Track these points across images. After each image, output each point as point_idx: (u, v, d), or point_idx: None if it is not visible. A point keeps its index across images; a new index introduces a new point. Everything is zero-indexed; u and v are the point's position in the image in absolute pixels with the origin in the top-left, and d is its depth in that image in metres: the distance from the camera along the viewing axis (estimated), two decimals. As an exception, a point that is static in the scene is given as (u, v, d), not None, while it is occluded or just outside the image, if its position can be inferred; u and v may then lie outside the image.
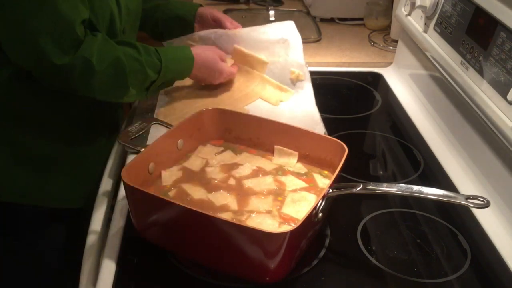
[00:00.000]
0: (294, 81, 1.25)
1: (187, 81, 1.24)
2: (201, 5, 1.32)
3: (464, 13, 1.10)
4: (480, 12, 1.04)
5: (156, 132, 1.06)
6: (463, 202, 0.77)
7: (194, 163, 0.97)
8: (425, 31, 1.26)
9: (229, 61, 1.23)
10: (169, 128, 1.02)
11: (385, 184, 0.82)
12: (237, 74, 1.26)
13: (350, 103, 1.42)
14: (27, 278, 1.16)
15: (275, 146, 0.99)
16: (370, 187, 0.81)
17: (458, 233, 0.93)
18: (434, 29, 1.22)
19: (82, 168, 1.13)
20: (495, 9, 0.99)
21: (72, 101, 1.06)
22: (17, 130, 1.04)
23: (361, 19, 1.81)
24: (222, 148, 1.01)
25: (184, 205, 0.78)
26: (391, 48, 1.64)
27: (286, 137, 0.98)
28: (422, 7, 1.25)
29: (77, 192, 1.14)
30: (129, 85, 1.01)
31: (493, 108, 0.95)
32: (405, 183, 0.96)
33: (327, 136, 0.98)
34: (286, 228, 0.82)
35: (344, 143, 0.91)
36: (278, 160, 0.99)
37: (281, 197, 0.89)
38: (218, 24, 1.28)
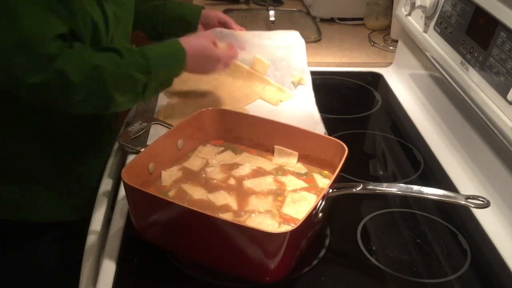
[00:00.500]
0: (295, 85, 1.25)
1: (187, 81, 1.24)
2: (203, 7, 1.30)
3: (464, 13, 1.10)
4: (480, 12, 1.04)
5: (156, 132, 1.06)
6: (463, 202, 0.77)
7: (194, 163, 0.97)
8: (425, 31, 1.26)
9: (220, 45, 1.15)
10: (169, 128, 1.02)
11: (385, 184, 0.82)
12: (238, 74, 1.26)
13: (350, 103, 1.42)
14: (25, 283, 1.15)
15: (275, 146, 0.99)
16: (370, 187, 0.81)
17: (458, 233, 0.93)
18: (434, 29, 1.22)
19: (76, 182, 1.11)
20: (495, 9, 0.99)
21: (61, 117, 1.01)
22: (6, 147, 1.01)
23: (361, 19, 1.81)
24: (222, 148, 1.01)
25: (184, 205, 0.78)
26: (391, 48, 1.64)
27: (286, 137, 0.98)
28: (422, 7, 1.25)
29: (72, 205, 1.12)
30: (114, 93, 0.93)
31: (493, 108, 0.95)
32: (405, 183, 0.96)
33: (327, 136, 0.98)
34: (286, 228, 0.82)
35: (344, 143, 0.91)
36: (278, 160, 0.99)
37: (281, 197, 0.89)
38: (224, 26, 1.27)
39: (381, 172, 1.14)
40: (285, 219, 0.84)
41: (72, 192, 1.11)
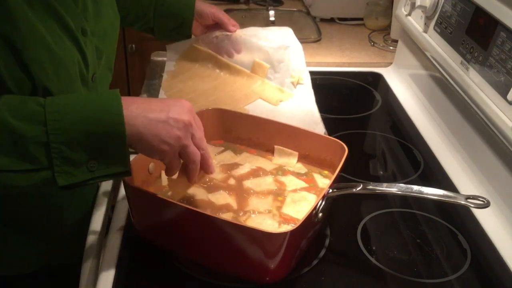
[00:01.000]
0: (295, 85, 1.25)
1: (187, 81, 1.24)
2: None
3: (464, 13, 1.10)
4: (480, 12, 1.04)
5: (156, 132, 1.06)
6: (463, 202, 0.77)
7: (194, 163, 0.97)
8: (425, 31, 1.26)
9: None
10: (169, 128, 1.02)
11: (385, 184, 0.82)
12: (238, 75, 1.26)
13: (350, 103, 1.42)
14: None
15: (275, 146, 0.99)
16: (370, 187, 0.81)
17: (458, 233, 0.93)
18: (434, 29, 1.22)
19: (61, 230, 0.98)
20: (495, 9, 0.99)
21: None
22: None
23: (361, 19, 1.81)
24: (222, 148, 1.01)
25: (184, 205, 0.78)
26: (391, 48, 1.64)
27: (286, 137, 0.98)
28: (422, 7, 1.25)
29: (59, 252, 0.99)
30: None
31: (493, 108, 0.95)
32: (405, 183, 0.96)
33: (327, 136, 0.98)
34: (286, 228, 0.82)
35: (344, 143, 0.91)
36: (278, 160, 0.99)
37: (281, 197, 0.89)
38: (219, 25, 1.27)
39: (381, 172, 1.14)
40: (285, 219, 0.84)
41: (54, 239, 0.98)
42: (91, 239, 0.92)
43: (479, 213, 0.97)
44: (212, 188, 0.91)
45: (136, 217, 0.85)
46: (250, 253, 0.76)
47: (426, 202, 0.99)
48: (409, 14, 1.37)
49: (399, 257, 0.88)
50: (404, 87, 1.43)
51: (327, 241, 0.89)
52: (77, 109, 0.68)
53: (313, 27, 1.77)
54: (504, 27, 0.95)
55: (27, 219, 0.92)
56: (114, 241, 0.88)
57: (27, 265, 0.97)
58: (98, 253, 0.90)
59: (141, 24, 1.24)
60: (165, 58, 1.32)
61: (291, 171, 0.96)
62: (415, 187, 0.79)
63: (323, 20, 1.84)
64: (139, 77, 2.26)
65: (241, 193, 0.90)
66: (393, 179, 1.10)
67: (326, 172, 0.96)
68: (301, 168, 0.97)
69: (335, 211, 0.91)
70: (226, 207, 0.86)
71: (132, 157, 0.99)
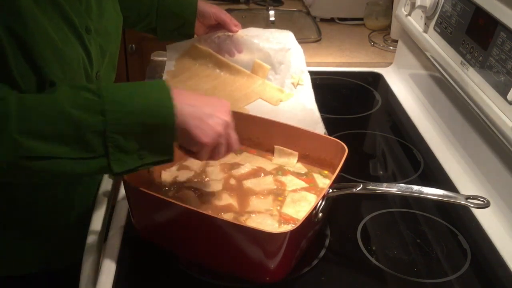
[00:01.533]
0: (295, 86, 1.25)
1: (187, 81, 1.24)
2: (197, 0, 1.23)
3: (464, 13, 1.10)
4: (480, 12, 1.04)
5: (156, 132, 1.06)
6: (463, 202, 0.77)
7: (194, 163, 0.97)
8: (425, 31, 1.26)
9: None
10: (169, 128, 1.02)
11: (385, 184, 0.82)
12: (238, 75, 1.26)
13: (350, 103, 1.42)
14: None
15: (275, 146, 0.99)
16: (370, 187, 0.81)
17: (458, 233, 0.93)
18: (434, 29, 1.22)
19: (57, 234, 0.98)
20: (495, 9, 0.99)
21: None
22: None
23: (361, 19, 1.81)
24: (222, 148, 1.01)
25: (184, 205, 0.78)
26: (391, 48, 1.64)
27: (286, 137, 0.98)
28: (422, 7, 1.25)
29: (57, 253, 1.00)
30: (22, 139, 0.66)
31: (493, 108, 0.95)
32: (405, 183, 0.96)
33: (327, 136, 0.98)
34: (286, 228, 0.82)
35: (344, 143, 0.91)
36: (278, 160, 0.99)
37: (281, 197, 0.89)
38: (221, 26, 1.26)
39: (381, 172, 1.14)
40: (285, 219, 0.84)
41: (54, 241, 0.98)
42: (91, 239, 0.92)
43: (479, 213, 0.97)
44: (213, 188, 0.91)
45: (136, 217, 0.85)
46: (250, 253, 0.76)
47: (426, 202, 0.99)
48: (409, 14, 1.37)
49: (399, 257, 0.88)
50: (404, 87, 1.43)
51: (327, 241, 0.89)
52: (134, 100, 0.70)
53: (313, 27, 1.77)
54: (504, 27, 0.95)
55: (28, 219, 0.92)
56: (114, 241, 0.88)
57: (27, 266, 0.97)
58: (98, 253, 0.90)
59: (143, 25, 1.23)
60: (165, 58, 1.32)
61: (291, 171, 0.96)
62: (415, 187, 0.79)
63: (323, 20, 1.85)
64: (139, 77, 2.26)
65: (241, 193, 0.90)
66: (393, 179, 1.10)
67: (326, 172, 0.96)
68: (301, 168, 0.97)
69: (335, 211, 0.91)
70: (228, 208, 0.86)
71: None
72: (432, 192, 0.78)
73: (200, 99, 0.77)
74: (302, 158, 0.98)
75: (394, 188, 0.80)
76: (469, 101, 1.05)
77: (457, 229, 0.94)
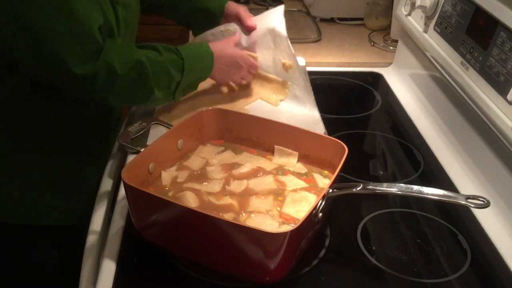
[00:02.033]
0: (287, 70, 1.24)
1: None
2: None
3: (464, 13, 1.10)
4: (480, 12, 1.04)
5: (156, 132, 1.06)
6: (463, 202, 0.76)
7: (194, 163, 0.97)
8: (425, 31, 1.26)
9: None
10: (169, 128, 1.02)
11: (385, 184, 0.82)
12: None
13: (350, 103, 1.42)
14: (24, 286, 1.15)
15: (275, 146, 0.99)
16: (370, 187, 0.81)
17: (458, 233, 0.93)
18: (434, 29, 1.22)
19: (76, 186, 1.11)
20: (495, 9, 0.99)
21: (66, 120, 1.03)
22: (11, 149, 1.02)
23: (361, 19, 1.81)
24: (222, 148, 1.01)
25: (184, 205, 0.78)
26: (391, 48, 1.64)
27: (286, 137, 0.98)
28: (422, 7, 1.25)
29: (72, 209, 1.12)
30: (154, 87, 0.99)
31: (493, 108, 0.95)
32: (405, 183, 0.96)
33: (327, 136, 0.98)
34: (286, 228, 0.82)
35: (344, 143, 0.91)
36: (278, 160, 0.99)
37: (281, 197, 0.89)
38: (239, 21, 1.26)
39: (381, 172, 1.14)
40: (285, 219, 0.84)
41: (71, 195, 1.11)
42: (91, 239, 0.92)
43: (479, 213, 0.97)
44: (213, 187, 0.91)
45: (136, 217, 0.85)
46: (250, 253, 0.76)
47: (426, 202, 0.99)
48: (409, 14, 1.37)
49: (399, 257, 0.88)
50: (404, 87, 1.43)
51: (327, 241, 0.89)
52: (196, 60, 1.07)
53: (313, 27, 1.77)
54: (504, 27, 0.95)
55: (58, 170, 1.07)
56: (114, 241, 0.88)
57: (45, 217, 1.09)
58: (98, 253, 0.90)
59: (178, 18, 1.29)
60: None
61: (291, 171, 0.96)
62: (415, 187, 0.79)
63: (323, 20, 1.84)
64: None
65: (242, 193, 0.90)
66: (393, 179, 1.10)
67: (326, 172, 0.95)
68: (301, 168, 0.97)
69: (335, 211, 0.91)
70: (228, 208, 0.86)
71: (131, 157, 1.00)
72: (432, 192, 0.78)
73: (225, 56, 1.13)
74: (302, 158, 0.98)
75: (394, 188, 0.80)
76: (469, 101, 1.05)
77: (457, 229, 0.94)
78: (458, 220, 0.96)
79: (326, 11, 1.84)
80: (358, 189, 0.80)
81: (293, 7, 1.94)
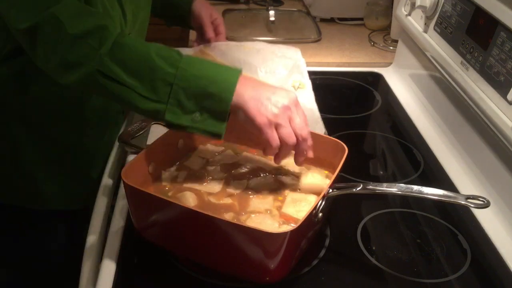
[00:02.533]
0: (295, 89, 1.24)
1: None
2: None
3: (464, 13, 1.10)
4: (480, 12, 1.04)
5: (156, 132, 1.05)
6: (463, 202, 0.76)
7: (194, 163, 0.97)
8: (425, 31, 1.26)
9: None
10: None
11: (385, 184, 0.82)
12: None
13: (350, 103, 1.42)
14: (27, 279, 1.16)
15: (275, 146, 0.99)
16: (370, 187, 0.81)
17: (458, 233, 0.93)
18: (434, 29, 1.22)
19: (81, 170, 1.13)
20: (495, 9, 0.99)
21: (70, 100, 1.04)
22: (16, 134, 1.03)
23: (361, 19, 1.81)
24: (222, 148, 1.01)
25: (184, 205, 0.78)
26: (391, 48, 1.64)
27: (286, 137, 0.98)
28: (422, 7, 1.25)
29: (76, 194, 1.14)
30: (119, 71, 0.80)
31: (493, 108, 0.95)
32: (405, 183, 0.96)
33: (327, 136, 0.98)
34: (286, 228, 0.82)
35: (344, 143, 0.91)
36: (278, 160, 0.98)
37: (281, 197, 0.89)
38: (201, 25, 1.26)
39: (381, 172, 1.14)
40: (285, 219, 0.84)
41: (76, 181, 1.13)
42: (91, 239, 0.92)
43: (479, 213, 0.97)
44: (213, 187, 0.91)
45: (136, 217, 0.85)
46: (250, 253, 0.76)
47: (426, 202, 0.99)
48: (409, 14, 1.37)
49: (399, 257, 0.88)
50: (404, 87, 1.43)
51: (327, 241, 0.89)
52: (204, 67, 0.81)
53: (313, 27, 1.77)
54: (504, 27, 0.95)
55: (64, 155, 1.08)
56: (114, 241, 0.88)
57: (52, 201, 1.11)
58: (98, 253, 0.90)
59: (155, 10, 1.26)
60: None
61: (291, 171, 0.96)
62: (415, 187, 0.79)
63: (323, 20, 1.84)
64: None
65: (242, 193, 0.90)
66: (393, 179, 1.10)
67: (326, 172, 0.95)
68: (301, 168, 0.97)
69: (335, 211, 0.91)
70: (228, 208, 0.86)
71: (131, 157, 1.00)
72: (432, 192, 0.78)
73: (264, 85, 0.83)
74: (302, 158, 0.98)
75: (394, 188, 0.80)
76: (469, 101, 1.05)
77: (457, 229, 0.94)
78: (458, 220, 0.96)
79: (326, 11, 1.84)
80: (358, 189, 0.80)
81: (293, 7, 1.94)
